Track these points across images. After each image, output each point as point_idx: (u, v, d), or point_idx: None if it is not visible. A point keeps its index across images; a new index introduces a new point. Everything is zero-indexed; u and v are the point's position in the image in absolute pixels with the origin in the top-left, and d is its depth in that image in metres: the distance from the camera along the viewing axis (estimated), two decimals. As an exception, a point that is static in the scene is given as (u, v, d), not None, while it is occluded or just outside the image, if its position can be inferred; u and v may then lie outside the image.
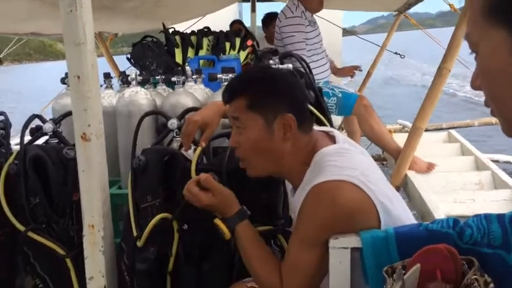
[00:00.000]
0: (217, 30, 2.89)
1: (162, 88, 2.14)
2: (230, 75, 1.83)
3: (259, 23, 5.29)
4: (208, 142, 1.49)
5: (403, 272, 0.90)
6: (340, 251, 1.09)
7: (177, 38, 2.68)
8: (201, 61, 2.59)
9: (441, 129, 4.89)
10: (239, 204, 1.28)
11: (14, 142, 2.04)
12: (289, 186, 1.40)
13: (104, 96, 1.89)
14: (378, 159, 4.66)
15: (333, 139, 1.26)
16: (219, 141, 1.63)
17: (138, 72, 1.96)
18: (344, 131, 4.02)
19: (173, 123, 1.57)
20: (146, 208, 1.45)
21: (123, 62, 3.30)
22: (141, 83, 1.94)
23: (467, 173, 2.86)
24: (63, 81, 1.99)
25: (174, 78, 1.95)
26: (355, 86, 5.29)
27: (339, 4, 4.99)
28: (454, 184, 2.74)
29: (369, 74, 5.26)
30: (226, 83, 1.61)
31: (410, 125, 3.33)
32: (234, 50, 2.78)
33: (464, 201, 2.45)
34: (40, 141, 1.72)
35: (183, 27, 4.10)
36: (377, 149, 4.32)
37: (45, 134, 1.70)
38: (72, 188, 1.51)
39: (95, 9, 1.23)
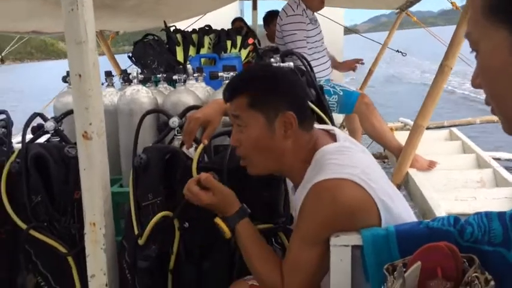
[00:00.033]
0: (219, 29, 2.89)
1: (163, 86, 2.15)
2: (231, 73, 1.83)
3: (260, 21, 5.28)
4: (210, 140, 1.49)
5: (404, 269, 0.90)
6: (341, 249, 1.09)
7: (179, 36, 2.68)
8: (202, 59, 2.60)
9: (442, 127, 4.89)
10: (239, 203, 1.29)
11: (16, 140, 2.05)
12: (290, 184, 1.40)
13: (105, 95, 1.89)
14: (379, 157, 4.66)
15: (333, 137, 1.26)
16: (220, 140, 1.63)
17: (139, 71, 1.96)
18: (345, 129, 4.01)
19: (174, 121, 1.57)
20: (147, 206, 1.45)
21: (124, 61, 3.31)
22: (143, 82, 1.94)
23: (469, 171, 2.85)
24: (64, 79, 1.99)
25: (175, 77, 1.94)
26: (357, 84, 5.28)
27: (341, 2, 4.98)
28: (456, 182, 2.73)
29: (370, 72, 5.26)
30: (227, 81, 1.61)
31: (411, 122, 3.33)
32: (235, 48, 2.78)
33: (465, 199, 2.44)
34: (42, 139, 1.72)
35: (185, 25, 4.09)
36: (378, 147, 4.33)
37: (47, 132, 1.70)
38: (74, 186, 1.51)
39: (96, 7, 1.23)
